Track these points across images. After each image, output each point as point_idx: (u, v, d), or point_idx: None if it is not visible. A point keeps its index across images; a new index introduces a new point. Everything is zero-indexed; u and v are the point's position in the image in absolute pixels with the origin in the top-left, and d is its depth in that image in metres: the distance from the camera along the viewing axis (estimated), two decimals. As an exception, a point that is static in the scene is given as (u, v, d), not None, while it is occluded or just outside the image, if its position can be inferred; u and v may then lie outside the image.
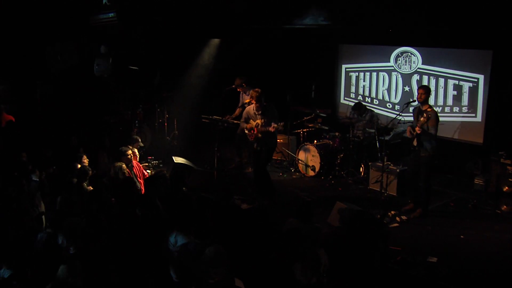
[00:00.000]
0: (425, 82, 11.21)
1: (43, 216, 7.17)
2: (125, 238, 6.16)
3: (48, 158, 8.90)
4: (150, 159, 11.70)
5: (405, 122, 9.82)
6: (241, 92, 11.07)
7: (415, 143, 8.37)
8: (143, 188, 8.43)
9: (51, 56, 9.35)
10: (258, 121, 8.95)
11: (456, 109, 10.91)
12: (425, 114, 8.23)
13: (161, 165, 11.17)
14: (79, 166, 8.47)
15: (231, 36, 12.73)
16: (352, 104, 11.80)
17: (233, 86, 10.85)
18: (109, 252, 5.65)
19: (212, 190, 9.12)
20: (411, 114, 8.96)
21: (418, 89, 8.55)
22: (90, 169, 8.47)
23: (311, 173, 10.84)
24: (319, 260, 5.44)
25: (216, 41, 13.50)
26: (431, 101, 9.61)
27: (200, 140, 12.81)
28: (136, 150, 9.31)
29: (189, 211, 5.93)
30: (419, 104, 8.46)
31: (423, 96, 8.32)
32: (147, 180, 7.64)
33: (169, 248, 5.70)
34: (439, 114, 8.51)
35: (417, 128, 8.19)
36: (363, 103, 11.67)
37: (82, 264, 4.99)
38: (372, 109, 11.69)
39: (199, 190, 9.35)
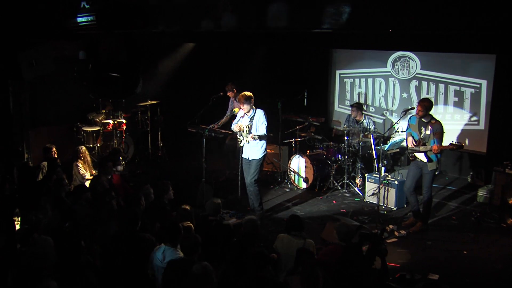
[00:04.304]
0: (424, 88, 11.21)
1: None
2: (108, 253, 6.11)
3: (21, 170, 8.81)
4: (132, 170, 11.64)
5: (403, 131, 9.80)
6: (231, 99, 11.06)
7: (423, 158, 8.29)
8: (123, 200, 8.36)
9: (26, 62, 9.22)
10: (245, 125, 8.87)
11: (457, 116, 10.91)
12: (429, 127, 8.18)
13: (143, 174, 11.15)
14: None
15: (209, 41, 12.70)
16: (348, 111, 11.73)
17: (222, 93, 10.82)
18: (91, 268, 5.60)
19: (199, 204, 9.04)
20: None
21: (417, 105, 8.37)
22: (66, 181, 8.41)
23: (304, 185, 10.78)
24: (318, 278, 5.38)
25: (191, 45, 13.44)
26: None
27: (186, 151, 12.76)
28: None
29: (175, 226, 5.91)
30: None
31: (420, 113, 8.19)
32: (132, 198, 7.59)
33: (156, 264, 5.75)
34: (439, 122, 8.46)
35: (434, 148, 8.04)
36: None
37: (59, 283, 4.94)
38: (368, 116, 11.67)
39: (186, 203, 9.27)
